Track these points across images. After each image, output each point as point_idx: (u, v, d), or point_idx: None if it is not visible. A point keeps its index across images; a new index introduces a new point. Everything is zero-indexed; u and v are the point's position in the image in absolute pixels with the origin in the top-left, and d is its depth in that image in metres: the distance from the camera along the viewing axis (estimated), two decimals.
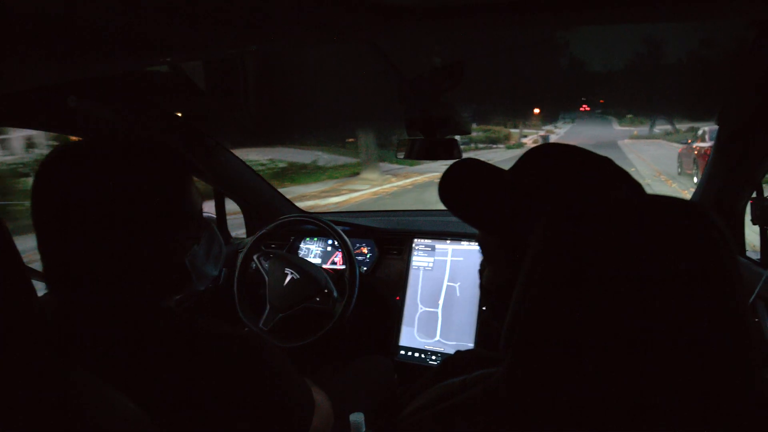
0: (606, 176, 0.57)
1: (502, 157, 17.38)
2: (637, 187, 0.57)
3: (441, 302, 1.57)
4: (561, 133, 31.00)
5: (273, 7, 0.51)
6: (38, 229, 0.65)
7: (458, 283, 1.57)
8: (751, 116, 1.01)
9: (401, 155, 1.31)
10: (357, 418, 0.98)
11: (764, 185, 1.18)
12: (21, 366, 0.46)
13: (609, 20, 0.59)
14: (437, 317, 1.56)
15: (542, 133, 27.52)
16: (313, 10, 0.52)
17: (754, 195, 1.19)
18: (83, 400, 0.49)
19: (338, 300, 1.53)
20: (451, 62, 1.00)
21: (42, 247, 0.65)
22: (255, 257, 1.63)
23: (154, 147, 0.70)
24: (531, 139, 25.43)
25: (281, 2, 0.49)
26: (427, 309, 1.58)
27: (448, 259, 1.61)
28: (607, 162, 0.58)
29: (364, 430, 0.98)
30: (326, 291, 1.53)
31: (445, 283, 1.58)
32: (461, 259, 1.59)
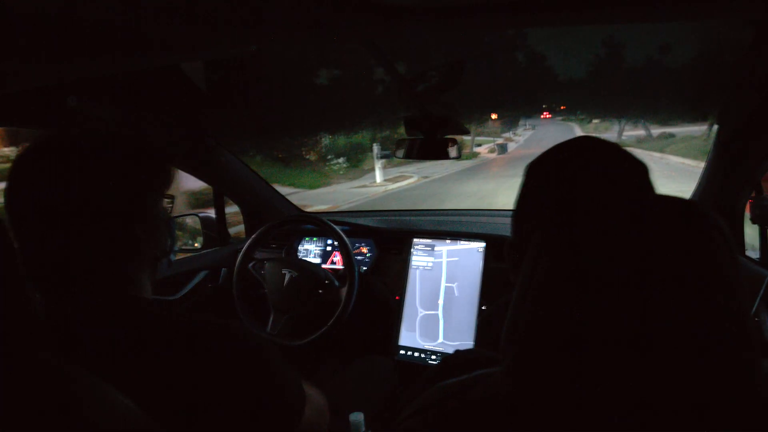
0: (620, 174, 0.53)
1: (447, 171, 14.80)
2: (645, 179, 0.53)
3: (441, 303, 1.57)
4: (521, 140, 28.59)
5: (273, 7, 0.51)
6: (15, 228, 0.64)
7: (456, 283, 1.57)
8: (750, 116, 1.01)
9: (400, 155, 1.31)
10: (357, 417, 0.98)
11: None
12: (19, 365, 0.46)
13: (609, 20, 0.59)
14: (438, 319, 1.56)
15: (499, 141, 24.79)
16: (313, 10, 0.52)
17: (753, 194, 1.19)
18: (80, 398, 0.49)
19: (341, 287, 1.53)
20: (451, 62, 1.00)
21: (21, 246, 0.64)
22: (250, 266, 1.61)
23: (119, 138, 0.69)
24: (486, 147, 22.75)
25: (281, 2, 0.49)
26: (428, 312, 1.58)
27: (444, 260, 1.60)
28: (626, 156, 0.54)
29: (364, 430, 0.98)
30: (327, 282, 1.53)
31: (443, 284, 1.58)
32: (457, 259, 1.59)
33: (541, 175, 0.56)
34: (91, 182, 0.64)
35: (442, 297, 1.57)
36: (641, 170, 0.52)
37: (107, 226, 0.65)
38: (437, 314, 1.57)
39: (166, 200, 0.76)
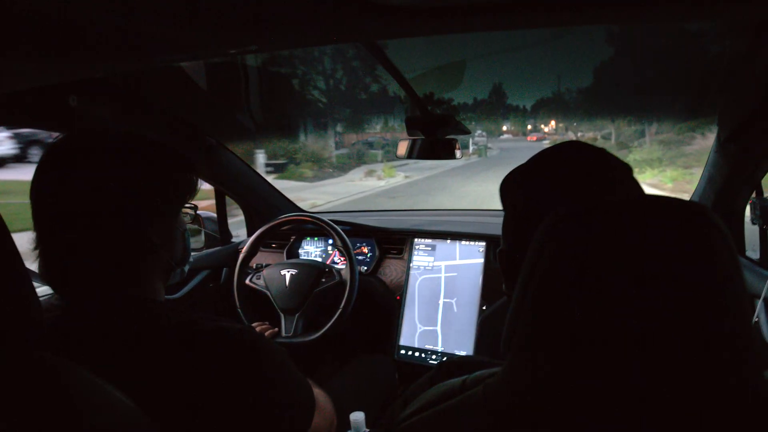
0: (608, 177, 0.57)
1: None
2: (638, 187, 0.57)
3: (439, 320, 1.56)
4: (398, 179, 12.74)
5: (273, 7, 0.51)
6: (37, 227, 0.65)
7: (455, 299, 1.55)
8: (750, 116, 1.01)
9: (401, 155, 1.31)
10: (357, 417, 0.98)
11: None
12: (18, 364, 0.46)
13: (609, 20, 0.59)
14: (437, 335, 1.56)
15: None
16: (313, 10, 0.52)
17: (753, 195, 1.19)
18: (80, 398, 0.49)
19: (343, 270, 1.53)
20: (451, 62, 1.00)
21: (41, 245, 0.65)
22: (247, 281, 1.58)
23: (139, 140, 0.70)
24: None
25: (281, 2, 0.49)
26: (426, 328, 1.57)
27: (442, 275, 1.59)
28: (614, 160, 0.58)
29: (364, 429, 0.98)
30: (327, 270, 1.53)
31: (441, 299, 1.57)
32: (455, 274, 1.57)
33: (533, 182, 0.58)
34: (105, 183, 0.64)
35: (440, 313, 1.56)
36: (627, 171, 0.57)
37: (120, 228, 0.65)
38: (436, 330, 1.56)
39: (188, 208, 0.76)
